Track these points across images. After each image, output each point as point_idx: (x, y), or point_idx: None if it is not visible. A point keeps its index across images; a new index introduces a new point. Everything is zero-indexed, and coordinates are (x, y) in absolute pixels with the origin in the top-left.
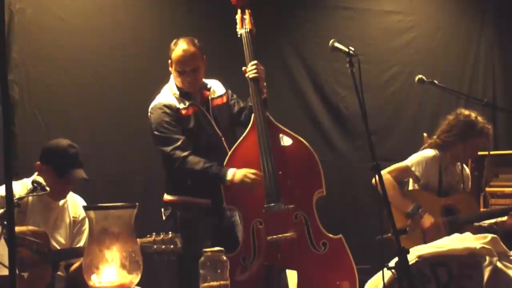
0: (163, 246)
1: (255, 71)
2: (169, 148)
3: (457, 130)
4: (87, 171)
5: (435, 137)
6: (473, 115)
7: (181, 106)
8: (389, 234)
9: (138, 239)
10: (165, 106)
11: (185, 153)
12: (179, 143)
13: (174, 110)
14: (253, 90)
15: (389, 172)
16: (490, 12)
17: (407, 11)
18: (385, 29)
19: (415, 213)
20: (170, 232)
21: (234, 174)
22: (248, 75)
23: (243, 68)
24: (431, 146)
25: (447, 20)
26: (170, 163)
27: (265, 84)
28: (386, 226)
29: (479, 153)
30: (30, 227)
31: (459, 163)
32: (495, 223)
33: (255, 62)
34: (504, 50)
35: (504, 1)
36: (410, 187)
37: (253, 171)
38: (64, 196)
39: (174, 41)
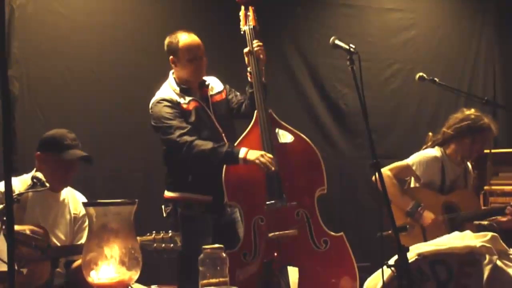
0: (163, 245)
1: (260, 47)
2: (175, 135)
3: (469, 122)
4: (87, 167)
5: (445, 129)
6: (479, 112)
7: (182, 101)
8: (389, 232)
9: (138, 237)
10: (166, 100)
11: (193, 138)
12: (185, 130)
13: (176, 104)
14: (254, 67)
15: (390, 170)
16: (490, 10)
17: (408, 9)
18: (386, 26)
19: (415, 211)
20: (170, 231)
21: (247, 152)
22: (252, 49)
23: (245, 50)
24: (435, 143)
25: (447, 18)
26: (177, 149)
27: (264, 68)
28: (386, 224)
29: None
30: (30, 224)
31: (463, 161)
32: (494, 221)
33: (259, 41)
34: (505, 48)
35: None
36: (412, 185)
37: (269, 154)
38: (67, 184)
39: (173, 36)
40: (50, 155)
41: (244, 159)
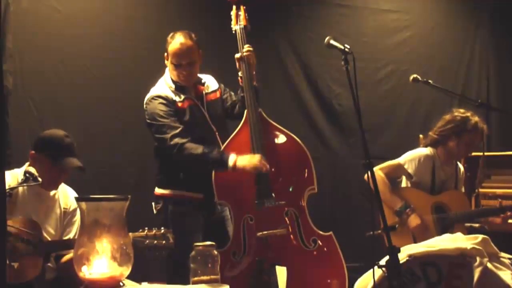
0: (155, 241)
1: (250, 52)
2: (167, 135)
3: (452, 124)
4: (81, 162)
5: (431, 133)
6: (468, 113)
7: (177, 99)
8: (379, 231)
9: (130, 234)
10: (161, 97)
11: (184, 140)
12: (177, 130)
13: (171, 102)
14: (245, 72)
15: (381, 169)
16: (485, 12)
17: (403, 10)
18: (381, 27)
19: (402, 212)
20: (162, 228)
21: (236, 159)
22: (242, 55)
23: (236, 56)
24: (426, 144)
25: (442, 20)
26: (168, 150)
27: (254, 72)
28: (378, 223)
29: (473, 153)
30: (22, 218)
31: (454, 162)
32: (486, 222)
33: (249, 45)
34: (499, 50)
35: (499, 2)
36: (403, 185)
37: (257, 157)
38: (57, 186)
39: (171, 34)
40: (45, 159)
41: (233, 167)
